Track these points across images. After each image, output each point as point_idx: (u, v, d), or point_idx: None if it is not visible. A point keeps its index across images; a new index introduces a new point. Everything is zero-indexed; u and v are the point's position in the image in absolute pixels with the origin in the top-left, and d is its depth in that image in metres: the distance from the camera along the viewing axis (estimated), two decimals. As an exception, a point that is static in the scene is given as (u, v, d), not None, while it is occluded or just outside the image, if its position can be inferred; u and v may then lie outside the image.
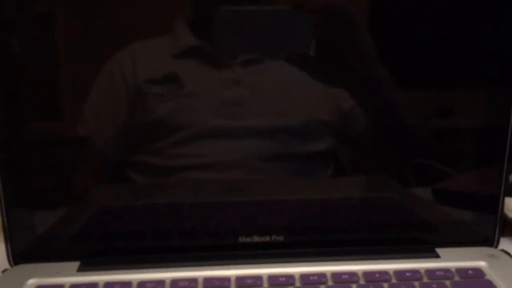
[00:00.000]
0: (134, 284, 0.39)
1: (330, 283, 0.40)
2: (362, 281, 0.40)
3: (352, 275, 0.40)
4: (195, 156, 0.45)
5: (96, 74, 0.42)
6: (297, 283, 0.40)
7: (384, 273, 0.41)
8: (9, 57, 0.39)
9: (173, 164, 0.46)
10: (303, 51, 0.41)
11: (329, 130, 0.47)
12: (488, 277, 0.40)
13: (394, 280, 0.40)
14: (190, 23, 0.44)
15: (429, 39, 0.42)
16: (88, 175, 0.45)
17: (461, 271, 0.41)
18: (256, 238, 0.43)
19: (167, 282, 0.40)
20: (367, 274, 0.40)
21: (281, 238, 0.43)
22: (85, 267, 0.41)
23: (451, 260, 0.42)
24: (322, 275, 0.40)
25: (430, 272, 0.41)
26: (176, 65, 0.43)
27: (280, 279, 0.40)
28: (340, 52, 0.42)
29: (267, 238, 0.43)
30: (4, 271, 0.41)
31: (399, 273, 0.40)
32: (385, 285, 0.39)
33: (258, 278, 0.40)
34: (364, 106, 0.44)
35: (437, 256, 0.43)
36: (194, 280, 0.40)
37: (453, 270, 0.41)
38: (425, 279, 0.40)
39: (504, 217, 0.44)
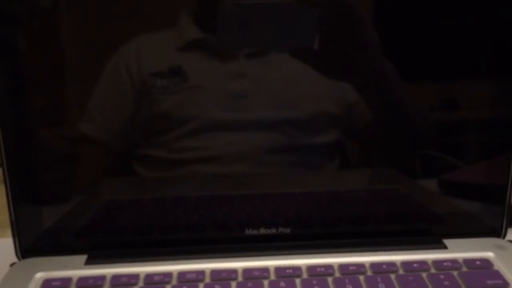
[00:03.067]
0: (142, 277, 0.39)
1: (337, 274, 0.40)
2: (369, 273, 0.40)
3: (359, 266, 0.40)
4: (201, 149, 0.45)
5: (101, 68, 0.42)
6: (304, 275, 0.40)
7: (391, 264, 0.40)
8: (14, 53, 0.39)
9: (179, 157, 0.46)
10: (308, 44, 0.41)
11: (335, 122, 0.47)
12: (496, 267, 0.40)
13: (401, 271, 0.40)
14: (194, 15, 0.43)
15: (434, 31, 0.42)
16: (94, 169, 0.45)
17: (469, 262, 0.41)
18: (262, 231, 0.43)
19: (174, 275, 0.40)
20: (374, 266, 0.40)
21: (287, 230, 0.43)
22: (92, 260, 0.41)
23: (458, 251, 0.42)
24: (329, 266, 0.40)
25: (437, 263, 0.41)
26: (181, 58, 0.43)
27: (287, 271, 0.40)
28: (344, 45, 0.42)
29: (273, 231, 0.43)
30: (12, 265, 0.42)
31: (406, 264, 0.40)
32: (393, 276, 0.39)
33: (265, 270, 0.40)
34: (370, 99, 0.44)
35: (444, 247, 0.43)
36: (201, 272, 0.40)
37: (460, 261, 0.41)
38: (432, 270, 0.40)
39: (512, 208, 0.44)
